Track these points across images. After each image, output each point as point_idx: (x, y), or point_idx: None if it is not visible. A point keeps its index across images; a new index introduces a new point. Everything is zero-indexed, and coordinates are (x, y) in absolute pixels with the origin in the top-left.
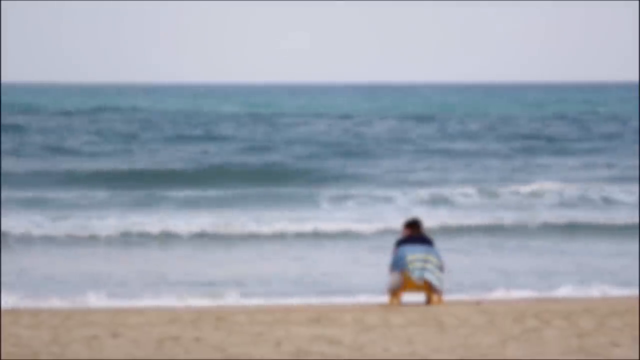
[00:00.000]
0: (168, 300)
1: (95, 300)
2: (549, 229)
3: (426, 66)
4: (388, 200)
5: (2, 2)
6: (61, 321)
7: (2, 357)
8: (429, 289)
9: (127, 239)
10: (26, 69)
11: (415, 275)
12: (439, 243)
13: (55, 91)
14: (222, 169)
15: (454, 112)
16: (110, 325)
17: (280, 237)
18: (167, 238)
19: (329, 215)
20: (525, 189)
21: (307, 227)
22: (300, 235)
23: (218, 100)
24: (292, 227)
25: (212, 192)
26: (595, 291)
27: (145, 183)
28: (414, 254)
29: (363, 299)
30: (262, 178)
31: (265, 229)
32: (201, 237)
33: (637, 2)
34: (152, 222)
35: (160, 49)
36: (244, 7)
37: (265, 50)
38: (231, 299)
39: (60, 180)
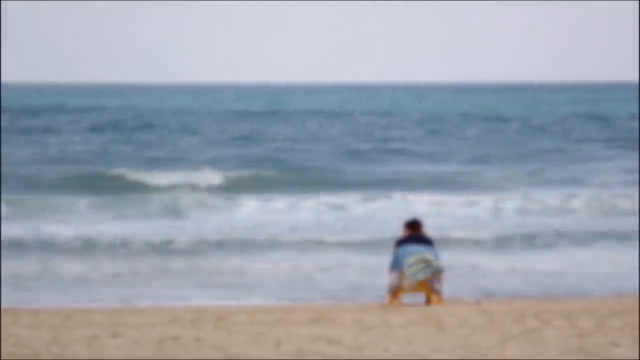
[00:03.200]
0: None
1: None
2: None
3: (425, 66)
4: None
5: (1, 2)
6: (61, 321)
7: (2, 357)
8: (428, 289)
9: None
10: (27, 69)
11: (410, 279)
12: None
13: (59, 91)
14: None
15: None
16: (110, 325)
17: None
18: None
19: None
20: None
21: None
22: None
23: (232, 99)
24: None
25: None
26: None
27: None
28: (414, 255)
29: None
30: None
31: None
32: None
33: (637, 2)
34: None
35: (162, 49)
36: (243, 7)
37: (266, 50)
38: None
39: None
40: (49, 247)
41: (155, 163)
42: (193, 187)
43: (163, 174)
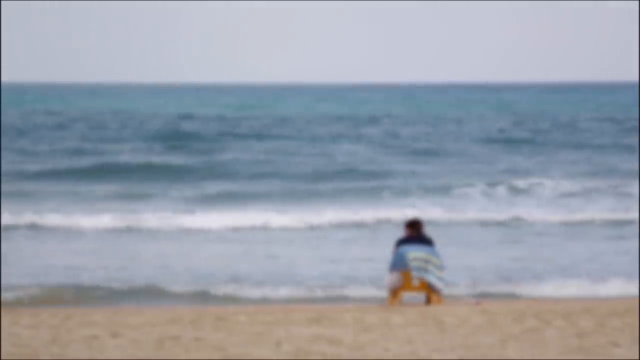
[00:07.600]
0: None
1: None
2: None
3: (424, 66)
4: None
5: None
6: (61, 321)
7: (2, 357)
8: (429, 289)
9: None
10: (27, 68)
11: (413, 275)
12: None
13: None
14: None
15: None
16: (110, 325)
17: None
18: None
19: None
20: None
21: None
22: None
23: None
24: None
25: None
26: None
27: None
28: (414, 254)
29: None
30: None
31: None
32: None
33: (637, 2)
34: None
35: (165, 49)
36: (244, 5)
37: (267, 50)
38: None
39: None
40: None
41: None
42: None
43: None
